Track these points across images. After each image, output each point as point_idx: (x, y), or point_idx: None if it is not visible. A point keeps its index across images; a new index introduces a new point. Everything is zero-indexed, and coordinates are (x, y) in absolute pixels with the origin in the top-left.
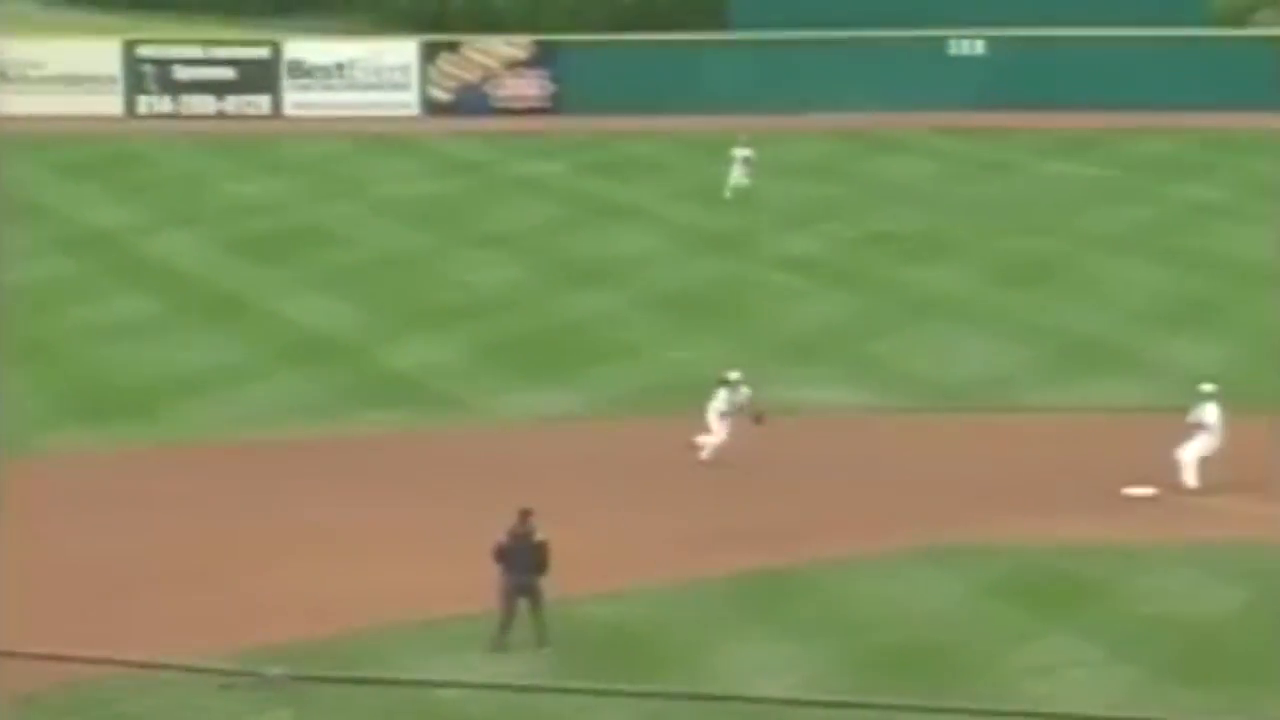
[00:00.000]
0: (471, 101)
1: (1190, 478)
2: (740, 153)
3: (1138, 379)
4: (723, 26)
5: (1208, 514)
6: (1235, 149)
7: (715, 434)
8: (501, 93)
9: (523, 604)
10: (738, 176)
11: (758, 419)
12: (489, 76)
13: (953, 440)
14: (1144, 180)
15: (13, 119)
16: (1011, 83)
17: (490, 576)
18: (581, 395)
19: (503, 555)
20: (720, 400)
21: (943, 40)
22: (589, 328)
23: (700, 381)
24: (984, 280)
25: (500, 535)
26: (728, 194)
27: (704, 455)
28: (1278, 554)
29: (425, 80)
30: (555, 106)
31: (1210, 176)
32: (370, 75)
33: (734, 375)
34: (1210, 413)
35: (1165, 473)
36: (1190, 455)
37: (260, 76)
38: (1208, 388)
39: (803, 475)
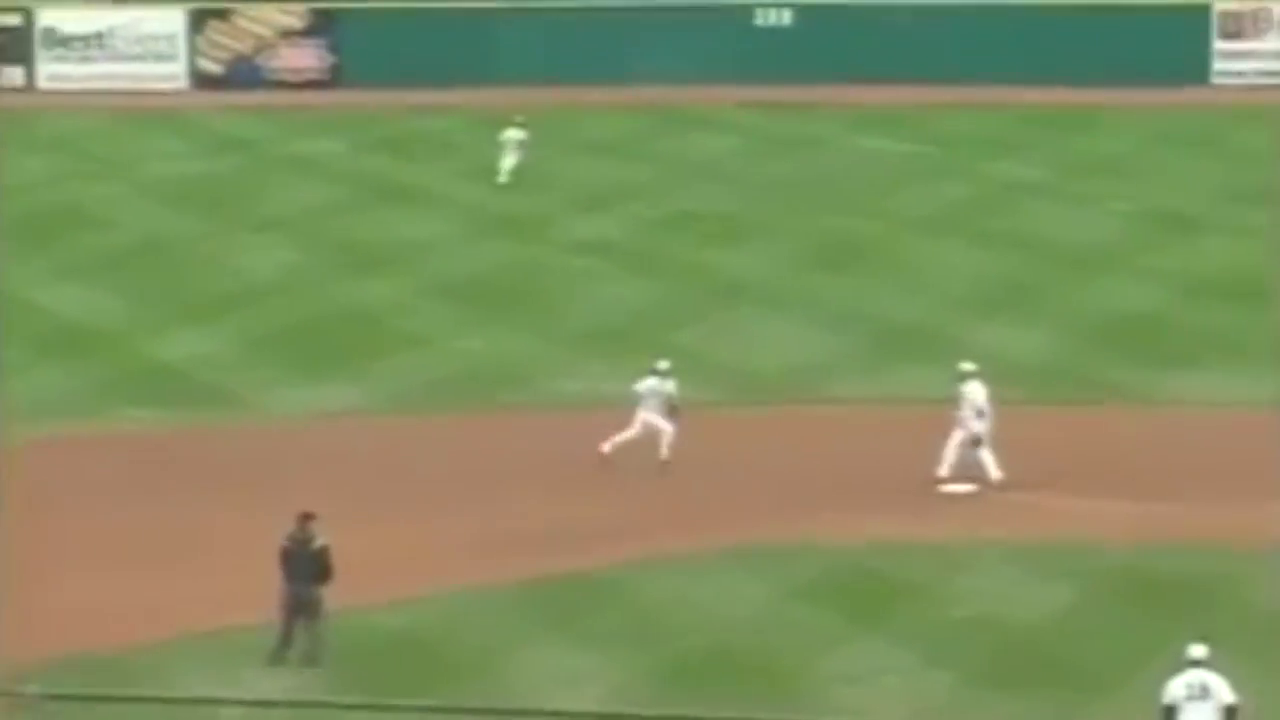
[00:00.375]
0: (243, 74)
1: (993, 470)
2: (513, 135)
3: (955, 368)
4: None
5: (1028, 511)
6: (1054, 125)
7: (663, 428)
8: (276, 64)
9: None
10: (510, 160)
11: (673, 411)
12: (262, 46)
13: (761, 434)
14: (960, 158)
15: None
16: (821, 55)
17: (274, 584)
18: (365, 389)
19: (283, 562)
20: (648, 390)
21: (749, 9)
22: (372, 317)
23: (493, 373)
24: (793, 264)
25: (282, 540)
26: (502, 179)
27: (664, 455)
28: (1099, 552)
29: (193, 51)
30: (334, 79)
31: (1028, 154)
32: (132, 45)
33: (664, 365)
34: (978, 392)
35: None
36: (980, 448)
37: (11, 46)
38: (969, 366)
39: (603, 473)
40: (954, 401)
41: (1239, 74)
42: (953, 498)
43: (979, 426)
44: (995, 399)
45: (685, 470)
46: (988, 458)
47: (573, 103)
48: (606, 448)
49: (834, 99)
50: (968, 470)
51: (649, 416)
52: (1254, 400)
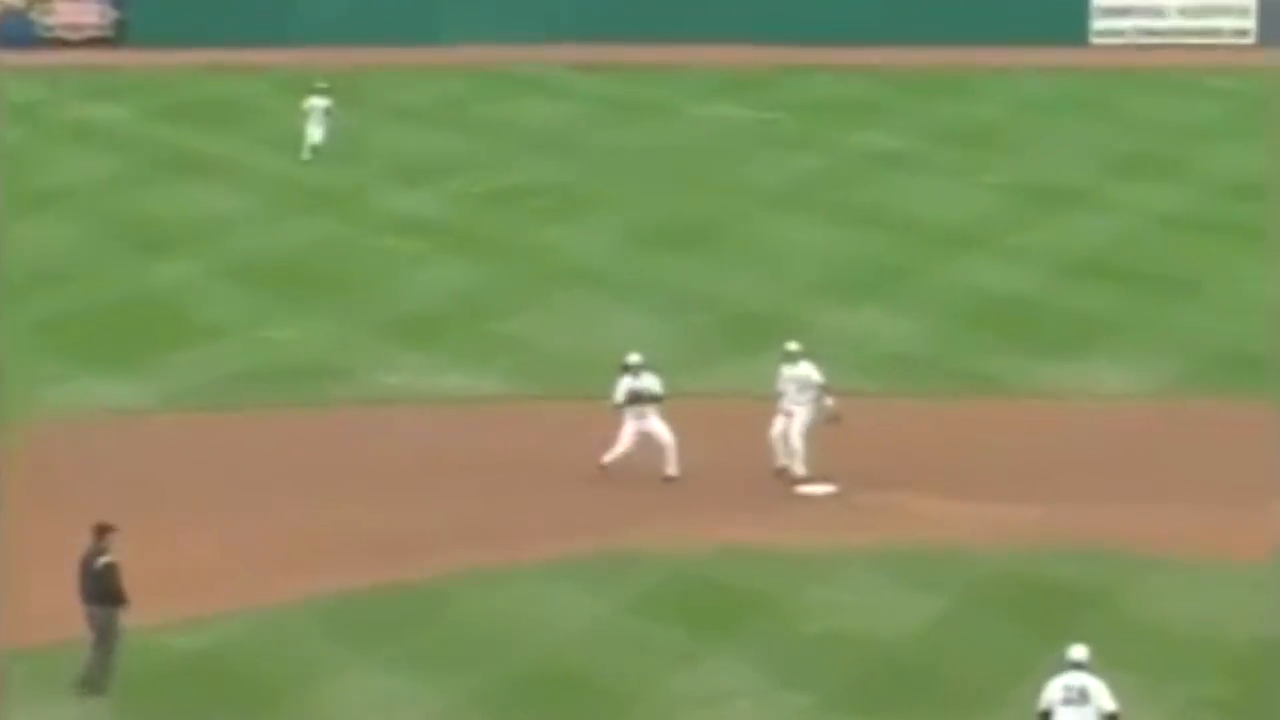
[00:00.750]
0: (15, 31)
1: (799, 465)
2: (316, 104)
3: (812, 358)
4: None
5: (892, 514)
6: (920, 89)
7: (664, 441)
8: (53, 20)
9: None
10: (315, 133)
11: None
12: (37, 0)
13: (598, 431)
14: (815, 126)
15: None
16: (664, 12)
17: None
18: (159, 385)
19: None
20: (626, 392)
21: None
22: (163, 303)
23: (302, 366)
24: (633, 244)
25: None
26: (306, 155)
27: (670, 471)
28: (970, 559)
29: None
30: (119, 38)
31: (891, 122)
32: None
33: (635, 359)
34: (812, 373)
35: (846, 465)
36: (797, 438)
37: None
38: (794, 346)
39: (424, 475)
40: (780, 387)
41: (1120, 33)
42: (809, 500)
43: (806, 413)
44: (830, 387)
45: (516, 472)
46: (789, 448)
47: (383, 65)
48: (606, 458)
49: (678, 60)
50: (892, 474)
51: (642, 425)
52: (1138, 391)
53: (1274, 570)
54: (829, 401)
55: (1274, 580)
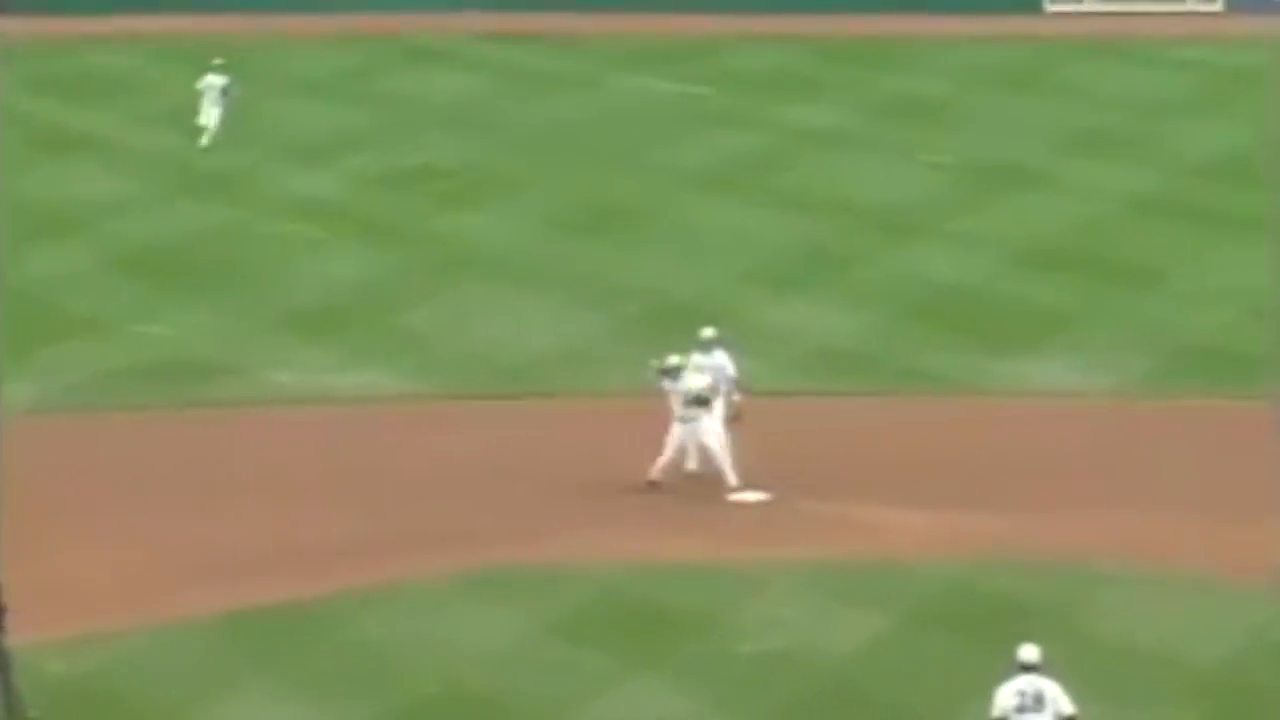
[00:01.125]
0: None
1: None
2: (213, 82)
3: (744, 352)
4: None
5: (831, 524)
6: (858, 61)
7: (712, 449)
8: None
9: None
10: (210, 115)
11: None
12: None
13: (510, 433)
14: (746, 101)
15: None
16: None
17: None
18: (29, 384)
19: None
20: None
21: None
22: (35, 295)
23: (188, 363)
24: (548, 229)
25: None
26: (204, 141)
27: (736, 497)
28: (915, 572)
29: None
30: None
31: (828, 97)
32: None
33: (674, 360)
34: (726, 363)
35: (781, 471)
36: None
37: None
38: (710, 332)
39: (320, 482)
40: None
41: (1075, 0)
42: (742, 509)
43: (719, 411)
44: (744, 381)
45: (421, 478)
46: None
47: (277, 33)
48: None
49: (597, 30)
50: (831, 480)
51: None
52: (1096, 390)
53: (1247, 584)
54: (736, 398)
55: (1247, 595)
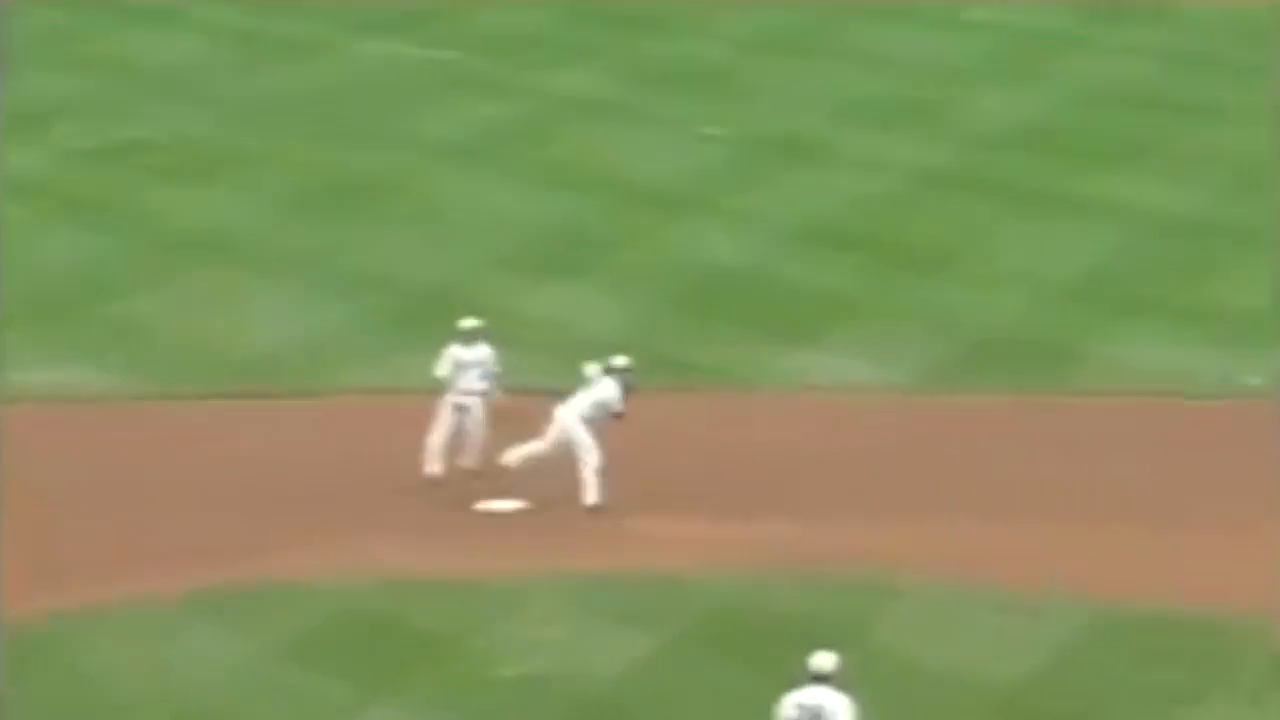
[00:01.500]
0: None
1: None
2: None
3: (501, 345)
4: None
5: (598, 534)
6: (623, 24)
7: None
8: None
9: None
10: None
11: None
12: None
13: (236, 435)
14: (501, 67)
15: None
16: None
17: None
18: None
19: None
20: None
21: None
22: None
23: None
24: (281, 209)
25: None
26: None
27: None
28: (690, 587)
29: None
30: None
31: (590, 62)
32: None
33: (620, 361)
34: (488, 355)
35: (543, 476)
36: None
37: None
38: (472, 323)
39: (19, 491)
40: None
41: None
42: (495, 519)
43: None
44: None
45: (133, 487)
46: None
47: None
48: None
49: None
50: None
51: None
52: (882, 383)
53: (1053, 598)
54: (498, 395)
55: (1053, 610)
